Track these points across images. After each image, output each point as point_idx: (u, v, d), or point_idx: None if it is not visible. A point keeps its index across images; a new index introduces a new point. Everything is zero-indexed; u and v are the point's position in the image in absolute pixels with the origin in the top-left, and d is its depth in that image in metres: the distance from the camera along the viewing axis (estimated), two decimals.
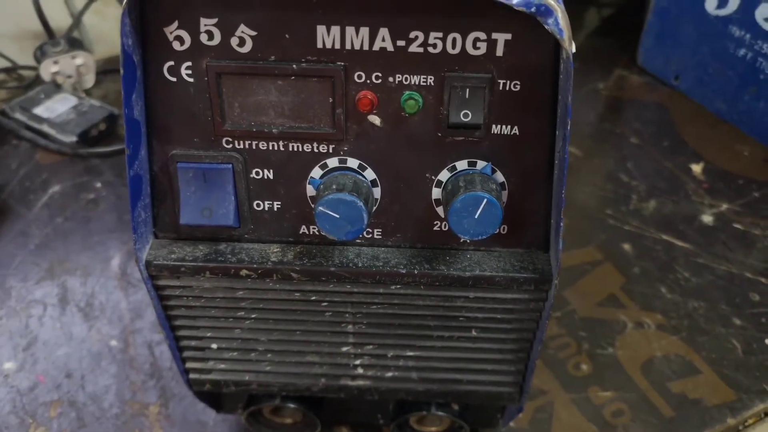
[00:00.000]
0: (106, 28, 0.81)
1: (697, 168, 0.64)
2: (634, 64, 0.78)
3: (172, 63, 0.26)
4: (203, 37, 0.25)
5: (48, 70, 0.70)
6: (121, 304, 0.51)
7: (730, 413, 0.44)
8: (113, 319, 0.49)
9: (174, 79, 0.26)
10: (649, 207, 0.60)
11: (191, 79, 0.26)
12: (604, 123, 0.71)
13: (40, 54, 0.70)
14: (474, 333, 0.32)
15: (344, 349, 0.33)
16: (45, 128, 0.65)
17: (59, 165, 0.64)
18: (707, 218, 0.59)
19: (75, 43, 0.72)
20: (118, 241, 0.56)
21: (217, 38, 0.25)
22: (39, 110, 0.66)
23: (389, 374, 0.35)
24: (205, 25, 0.25)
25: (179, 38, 0.25)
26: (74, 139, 0.64)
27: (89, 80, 0.73)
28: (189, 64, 0.26)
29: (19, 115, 0.66)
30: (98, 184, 0.62)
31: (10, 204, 0.60)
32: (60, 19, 0.75)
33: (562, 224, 0.27)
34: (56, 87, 0.70)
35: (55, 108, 0.67)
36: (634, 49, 0.77)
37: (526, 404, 0.37)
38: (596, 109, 0.73)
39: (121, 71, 0.25)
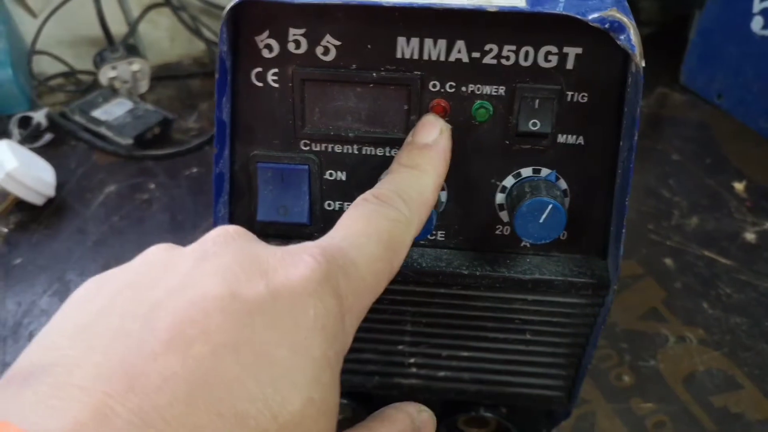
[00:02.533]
0: (158, 36, 0.84)
1: (739, 186, 0.64)
2: (676, 82, 0.78)
3: (260, 69, 0.27)
4: (291, 46, 0.27)
5: (106, 75, 0.73)
6: None
7: None
8: None
9: (261, 85, 0.28)
10: (691, 223, 0.60)
11: (276, 85, 0.28)
12: (646, 139, 0.72)
13: (100, 60, 0.73)
14: (528, 336, 0.33)
15: (400, 347, 0.35)
16: (102, 130, 0.68)
17: (115, 166, 0.66)
18: (750, 236, 0.59)
19: (132, 49, 0.75)
20: (171, 239, 0.57)
21: (304, 47, 0.27)
22: (97, 113, 0.69)
23: (442, 374, 0.36)
24: (294, 34, 0.26)
25: (268, 46, 0.27)
26: (130, 141, 0.67)
27: (144, 86, 0.76)
28: (276, 70, 0.27)
29: (78, 118, 0.69)
30: (152, 185, 0.64)
31: (68, 202, 0.62)
32: (116, 27, 0.78)
33: (624, 231, 0.28)
34: (113, 91, 0.73)
35: (113, 111, 0.70)
36: (677, 68, 0.78)
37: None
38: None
39: (216, 75, 0.26)
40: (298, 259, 0.20)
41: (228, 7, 0.25)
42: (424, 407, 0.25)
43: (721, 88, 0.73)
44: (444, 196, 0.30)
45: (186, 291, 0.18)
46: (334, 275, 0.20)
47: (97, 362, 0.17)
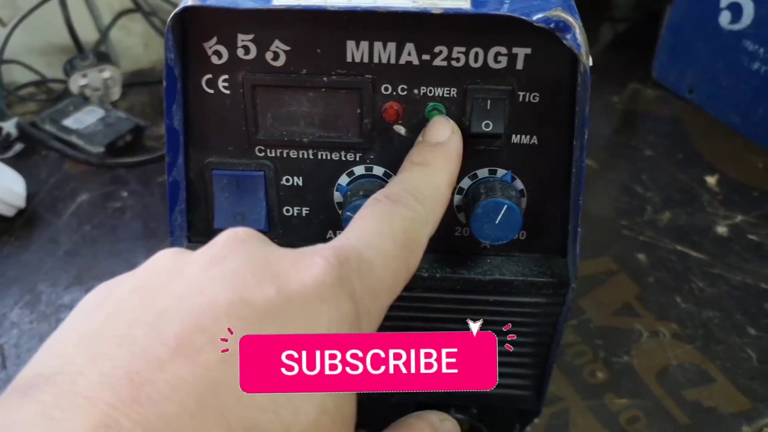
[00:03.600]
0: (131, 43, 0.83)
1: (711, 180, 0.65)
2: (649, 77, 0.79)
3: (210, 76, 0.27)
4: (240, 52, 0.27)
5: (77, 83, 0.72)
6: None
7: (746, 422, 0.45)
8: None
9: (211, 91, 0.27)
10: (663, 218, 0.61)
11: (227, 91, 0.27)
12: (619, 135, 0.72)
13: (70, 68, 0.72)
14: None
15: None
16: (73, 139, 0.67)
17: (87, 174, 0.66)
18: (722, 229, 0.59)
19: (103, 57, 0.74)
20: (144, 248, 0.58)
21: (253, 53, 0.26)
22: (68, 122, 0.69)
23: None
24: (242, 40, 0.26)
25: (217, 53, 0.27)
26: (101, 149, 0.66)
27: (115, 93, 0.75)
28: (226, 77, 0.27)
29: (49, 127, 0.68)
30: (124, 193, 0.64)
31: (40, 212, 0.62)
32: (87, 35, 0.77)
33: (579, 230, 0.28)
34: (84, 99, 0.72)
35: (84, 120, 0.69)
36: (649, 63, 0.78)
37: (543, 409, 0.38)
38: (611, 122, 0.74)
39: (164, 83, 0.26)
40: (311, 262, 0.19)
41: (172, 14, 0.25)
42: (447, 416, 0.24)
43: (692, 83, 0.73)
44: None
45: (194, 297, 0.18)
46: (348, 277, 0.20)
47: (102, 370, 0.16)
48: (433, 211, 0.24)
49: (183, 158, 0.29)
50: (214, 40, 0.26)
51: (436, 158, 0.26)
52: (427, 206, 0.24)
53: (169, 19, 0.25)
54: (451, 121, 0.27)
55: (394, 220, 0.23)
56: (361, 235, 0.22)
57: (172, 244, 0.30)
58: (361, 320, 0.20)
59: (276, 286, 0.18)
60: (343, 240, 0.22)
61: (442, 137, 0.26)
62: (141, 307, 0.18)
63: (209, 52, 0.27)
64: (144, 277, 0.20)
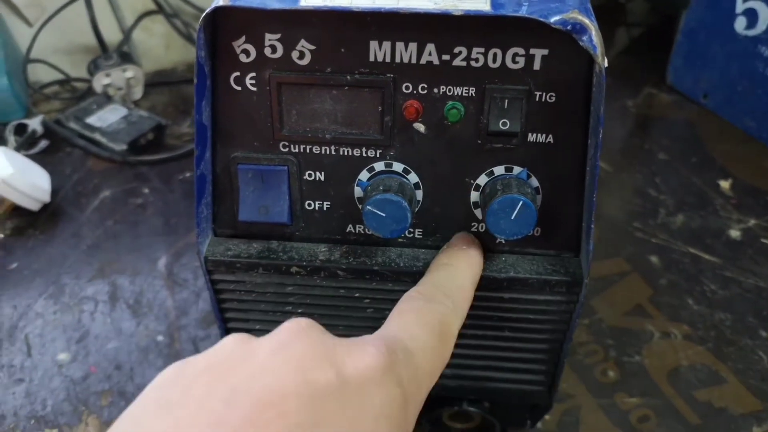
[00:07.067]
0: (153, 43, 0.85)
1: (725, 184, 0.65)
2: (663, 82, 0.79)
3: (238, 73, 0.28)
4: (267, 51, 0.28)
5: (100, 82, 0.74)
6: (167, 302, 0.53)
7: (756, 422, 0.45)
8: (160, 315, 0.52)
9: (239, 88, 0.29)
10: (677, 221, 0.61)
11: (254, 89, 0.28)
12: (633, 139, 0.72)
13: (94, 67, 0.74)
14: (507, 332, 0.34)
15: None
16: (97, 137, 0.69)
17: (110, 171, 0.67)
18: (735, 233, 0.60)
19: (126, 57, 0.76)
20: (165, 243, 0.59)
21: (280, 51, 0.28)
22: (92, 120, 0.70)
23: None
24: (270, 39, 0.27)
25: (246, 51, 0.28)
26: (124, 147, 0.68)
27: (138, 92, 0.77)
28: (253, 74, 0.28)
29: (73, 125, 0.70)
30: (146, 190, 0.65)
31: (64, 207, 0.63)
32: (111, 35, 0.79)
33: (593, 227, 0.29)
34: (107, 98, 0.74)
35: (107, 118, 0.71)
36: (664, 68, 0.79)
37: (554, 407, 0.38)
38: (626, 125, 0.74)
39: (195, 80, 0.27)
40: (364, 350, 0.22)
41: (204, 14, 0.26)
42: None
43: (707, 87, 0.73)
44: (420, 194, 0.31)
45: (264, 377, 0.20)
46: (396, 365, 0.23)
47: None
48: (460, 306, 0.28)
49: (210, 152, 0.30)
50: (243, 39, 0.27)
51: (460, 260, 0.30)
52: (456, 301, 0.28)
53: (201, 18, 0.26)
54: (472, 235, 0.31)
55: (430, 313, 0.26)
56: (403, 327, 0.25)
57: (198, 236, 0.31)
58: (408, 405, 0.22)
59: (335, 370, 0.21)
60: (387, 331, 0.25)
61: (465, 246, 0.30)
62: (214, 383, 0.20)
63: (238, 50, 0.28)
64: (214, 358, 0.22)
